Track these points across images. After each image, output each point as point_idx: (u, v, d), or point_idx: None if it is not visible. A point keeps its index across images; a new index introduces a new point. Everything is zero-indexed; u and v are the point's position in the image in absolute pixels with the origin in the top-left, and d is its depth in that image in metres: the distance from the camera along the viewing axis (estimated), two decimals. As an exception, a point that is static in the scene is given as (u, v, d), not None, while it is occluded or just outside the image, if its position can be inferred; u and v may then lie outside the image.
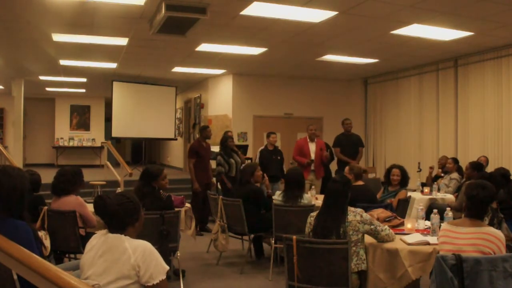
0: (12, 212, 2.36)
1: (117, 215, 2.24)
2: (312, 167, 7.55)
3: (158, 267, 2.17)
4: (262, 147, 8.02)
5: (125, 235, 2.23)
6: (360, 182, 5.30)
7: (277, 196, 5.09)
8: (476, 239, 2.71)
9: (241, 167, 6.67)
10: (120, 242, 2.20)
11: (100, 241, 2.24)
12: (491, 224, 3.41)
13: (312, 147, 7.68)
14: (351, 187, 3.47)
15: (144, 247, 2.19)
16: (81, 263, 2.27)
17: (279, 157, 7.74)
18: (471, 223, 2.80)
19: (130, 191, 2.40)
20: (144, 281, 2.14)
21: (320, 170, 7.71)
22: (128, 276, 2.13)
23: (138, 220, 2.32)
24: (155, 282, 2.14)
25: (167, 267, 2.22)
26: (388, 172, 5.66)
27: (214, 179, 7.85)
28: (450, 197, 6.39)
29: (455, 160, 7.29)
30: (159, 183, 4.53)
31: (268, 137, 7.87)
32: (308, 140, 7.73)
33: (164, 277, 2.17)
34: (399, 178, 5.52)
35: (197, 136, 8.48)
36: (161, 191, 4.55)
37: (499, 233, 2.75)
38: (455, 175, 6.98)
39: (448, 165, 7.22)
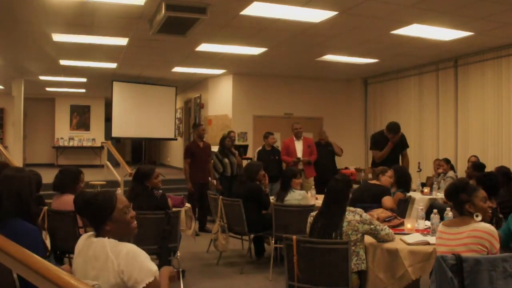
0: (20, 213, 2.44)
1: (86, 212, 2.20)
2: (301, 166, 7.39)
3: (144, 271, 2.04)
4: (260, 148, 8.02)
5: (108, 237, 2.11)
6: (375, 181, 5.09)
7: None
8: (466, 238, 2.68)
9: (247, 165, 6.63)
10: (103, 248, 2.09)
11: (86, 246, 2.16)
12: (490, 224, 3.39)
13: (299, 145, 7.64)
14: (351, 187, 3.48)
15: (127, 250, 2.07)
16: (73, 268, 2.21)
17: (277, 157, 7.73)
18: (461, 221, 2.78)
19: (109, 191, 2.27)
20: (130, 286, 2.03)
21: (309, 169, 7.60)
22: (116, 284, 2.03)
23: (110, 219, 2.14)
24: (141, 287, 2.02)
25: (155, 268, 2.08)
26: None
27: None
28: None
29: (447, 160, 7.48)
30: (152, 182, 4.58)
31: (266, 138, 7.85)
32: (294, 139, 7.71)
33: (151, 279, 2.04)
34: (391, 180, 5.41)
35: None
36: (154, 190, 4.55)
37: (488, 227, 2.68)
38: (451, 173, 7.10)
39: (442, 167, 7.33)
